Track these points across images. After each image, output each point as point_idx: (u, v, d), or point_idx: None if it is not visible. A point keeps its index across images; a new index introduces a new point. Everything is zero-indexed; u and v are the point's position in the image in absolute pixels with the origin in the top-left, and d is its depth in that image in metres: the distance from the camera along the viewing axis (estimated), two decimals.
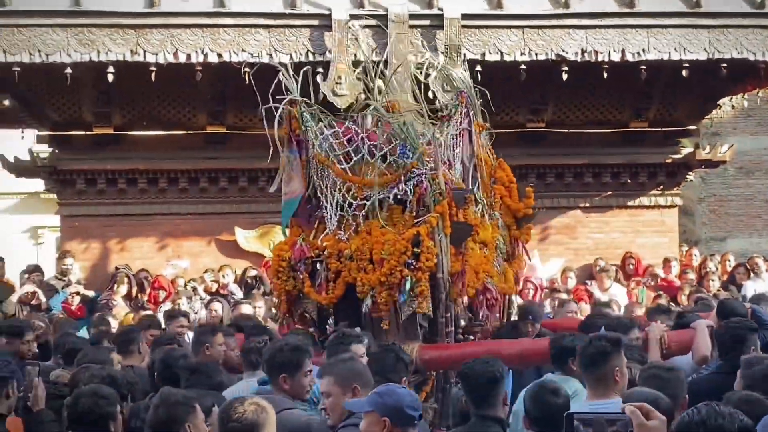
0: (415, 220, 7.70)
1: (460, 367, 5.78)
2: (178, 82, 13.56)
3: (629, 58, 12.86)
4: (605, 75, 13.09)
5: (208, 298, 12.27)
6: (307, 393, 5.89)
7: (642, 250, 15.28)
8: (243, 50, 12.19)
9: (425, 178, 7.68)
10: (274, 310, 11.00)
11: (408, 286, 7.38)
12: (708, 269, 14.32)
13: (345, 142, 7.92)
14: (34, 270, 13.40)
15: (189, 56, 12.17)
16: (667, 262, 14.70)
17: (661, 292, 13.17)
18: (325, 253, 7.82)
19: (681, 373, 5.41)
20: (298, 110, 8.15)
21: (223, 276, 13.62)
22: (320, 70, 12.30)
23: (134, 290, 13.19)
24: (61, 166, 14.62)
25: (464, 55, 12.41)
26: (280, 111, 8.13)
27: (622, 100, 15.13)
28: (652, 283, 14.00)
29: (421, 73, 8.81)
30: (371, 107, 8.31)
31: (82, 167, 14.56)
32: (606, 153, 15.39)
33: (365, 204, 7.80)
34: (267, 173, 14.55)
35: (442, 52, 12.39)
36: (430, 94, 9.39)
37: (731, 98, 15.93)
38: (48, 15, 12.02)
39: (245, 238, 14.66)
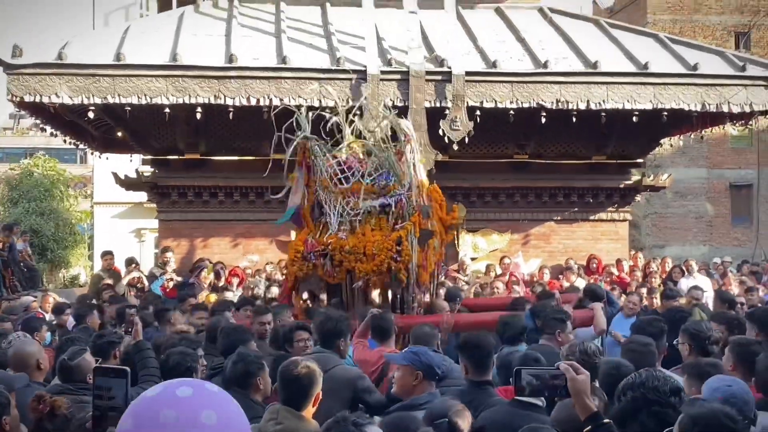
0: (395, 226, 8.25)
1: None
2: (249, 120, 13.63)
3: (592, 107, 12.83)
4: (574, 119, 13.08)
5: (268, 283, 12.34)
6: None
7: (601, 253, 15.20)
8: (299, 96, 12.25)
9: (403, 197, 8.30)
10: None
11: (395, 274, 8.04)
12: (651, 269, 14.23)
13: (345, 169, 8.42)
14: (131, 261, 13.48)
15: (258, 100, 12.23)
16: (619, 262, 14.63)
17: (615, 286, 13.08)
18: (330, 247, 8.20)
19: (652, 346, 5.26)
20: (310, 144, 8.56)
21: (282, 268, 13.63)
22: (358, 112, 12.40)
23: (212, 277, 13.22)
24: (159, 183, 14.71)
25: (467, 102, 12.44)
26: (294, 143, 8.62)
27: (587, 139, 15.08)
28: (608, 279, 13.90)
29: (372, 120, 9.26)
30: (364, 144, 8.73)
31: (176, 183, 14.64)
32: (574, 179, 15.35)
33: (359, 212, 8.32)
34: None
35: (450, 100, 12.43)
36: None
37: (670, 139, 15.89)
38: (152, 68, 12.11)
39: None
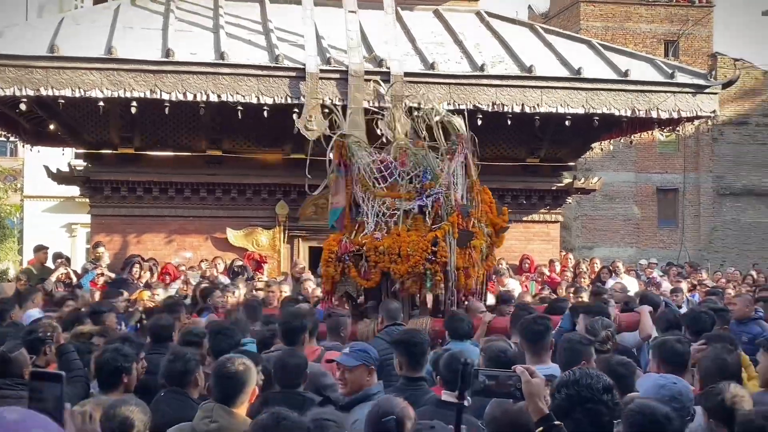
0: (432, 226, 7.91)
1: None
2: (185, 115, 13.46)
3: (527, 110, 12.98)
4: (509, 122, 13.21)
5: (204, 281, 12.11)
6: None
7: (533, 253, 15.39)
8: (237, 93, 12.12)
9: (441, 195, 7.97)
10: (254, 292, 10.90)
11: (429, 276, 7.68)
12: (581, 269, 14.46)
13: (382, 168, 8.16)
14: (59, 256, 13.14)
15: (195, 96, 12.06)
16: (552, 263, 14.82)
17: (546, 285, 13.27)
18: (364, 248, 7.96)
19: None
20: (347, 142, 8.36)
21: (216, 265, 13.47)
22: (296, 110, 12.33)
23: (146, 274, 12.97)
24: (92, 177, 14.38)
25: (405, 103, 12.45)
26: (332, 141, 8.44)
27: (522, 142, 15.26)
28: (540, 279, 14.09)
29: (424, 118, 8.84)
30: (402, 142, 8.41)
31: (109, 178, 14.33)
32: (509, 181, 15.48)
33: (396, 213, 8.04)
34: (252, 187, 14.53)
35: (389, 101, 12.43)
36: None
37: (600, 143, 16.16)
38: (86, 61, 11.85)
39: (234, 236, 14.55)
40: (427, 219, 7.97)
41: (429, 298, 7.95)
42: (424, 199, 7.94)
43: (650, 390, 3.44)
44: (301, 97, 12.26)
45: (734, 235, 31.29)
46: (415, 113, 8.75)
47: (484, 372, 3.20)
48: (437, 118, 8.59)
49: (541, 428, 2.95)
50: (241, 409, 4.21)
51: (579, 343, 5.06)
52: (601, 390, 3.38)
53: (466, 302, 8.13)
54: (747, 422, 3.14)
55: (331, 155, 8.58)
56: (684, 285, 13.15)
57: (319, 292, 9.95)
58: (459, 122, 8.62)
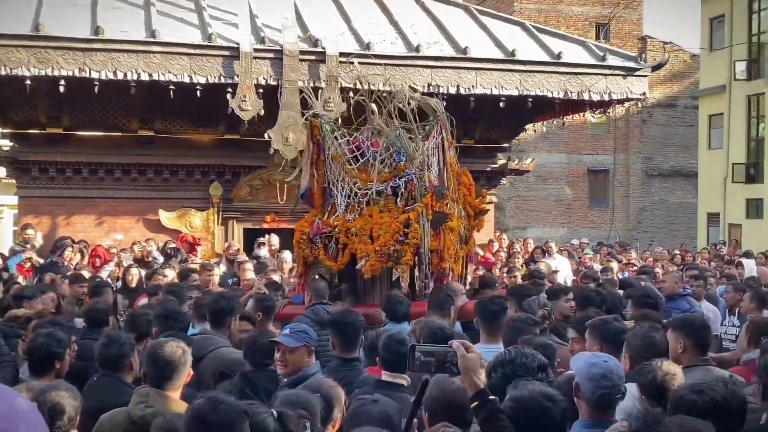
0: (405, 208, 7.77)
1: None
2: (116, 95, 13.18)
3: (462, 92, 13.06)
4: (445, 104, 13.24)
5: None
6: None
7: None
8: (169, 72, 11.92)
9: (414, 176, 7.80)
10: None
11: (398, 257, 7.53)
12: (514, 250, 14.64)
13: (354, 149, 7.99)
14: None
15: (125, 75, 11.82)
16: (490, 243, 14.97)
17: (480, 266, 13.40)
18: (336, 230, 7.82)
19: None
20: (319, 122, 8.19)
21: (148, 247, 13.26)
22: (230, 90, 12.19)
23: (76, 257, 12.69)
24: (20, 157, 13.98)
25: (340, 83, 12.43)
26: (304, 120, 8.32)
27: (457, 123, 15.28)
28: (474, 259, 14.20)
29: (399, 100, 8.69)
30: (374, 123, 8.19)
31: (37, 159, 13.95)
32: None
33: (368, 194, 7.88)
34: (185, 168, 14.34)
35: (324, 81, 12.38)
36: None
37: (534, 125, 16.34)
38: (13, 38, 11.50)
39: (166, 218, 14.35)
40: (399, 201, 7.85)
41: (404, 282, 7.80)
42: (397, 180, 7.81)
43: (583, 369, 3.52)
44: (235, 77, 12.12)
45: (662, 215, 32.10)
46: (391, 95, 8.54)
47: (421, 348, 3.24)
48: (413, 102, 8.47)
49: (475, 403, 2.99)
50: (176, 393, 4.17)
51: (524, 323, 5.16)
52: (536, 369, 3.47)
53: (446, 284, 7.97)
54: (679, 398, 3.23)
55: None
56: (614, 265, 13.43)
57: (250, 276, 9.86)
58: (437, 104, 8.54)
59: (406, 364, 3.30)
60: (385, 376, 4.49)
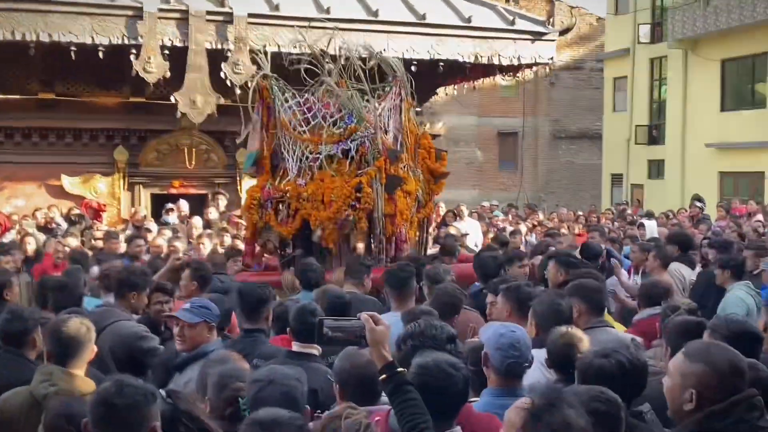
0: (358, 172, 7.60)
1: None
2: (14, 56, 12.63)
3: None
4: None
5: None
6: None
7: None
8: (69, 32, 11.49)
9: (367, 139, 7.62)
10: (93, 242, 10.50)
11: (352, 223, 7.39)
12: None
13: (305, 110, 7.78)
14: None
15: (24, 35, 11.35)
16: None
17: None
18: (287, 195, 7.65)
19: None
20: (268, 83, 7.96)
21: (51, 213, 12.86)
22: (133, 51, 11.84)
23: None
24: None
25: (249, 45, 12.21)
26: (254, 82, 7.98)
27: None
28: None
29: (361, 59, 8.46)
30: (325, 84, 7.98)
31: None
32: None
33: (319, 157, 7.68)
34: (88, 132, 13.91)
35: (233, 42, 12.14)
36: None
37: (445, 88, 16.41)
38: None
39: (70, 183, 13.92)
40: (352, 164, 7.67)
41: (360, 247, 7.71)
42: (348, 143, 7.63)
43: (491, 339, 3.58)
44: (139, 38, 11.76)
45: (569, 176, 32.81)
46: (349, 55, 8.33)
47: (329, 323, 3.22)
48: (372, 61, 8.28)
49: (384, 375, 3.00)
50: (81, 371, 4.07)
51: (460, 293, 5.24)
52: (445, 340, 3.51)
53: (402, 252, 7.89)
54: (586, 364, 3.30)
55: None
56: (523, 227, 13.69)
57: (159, 242, 9.65)
58: (396, 64, 8.34)
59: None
60: (296, 346, 4.47)
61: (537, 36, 14.10)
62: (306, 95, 7.99)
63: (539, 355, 3.87)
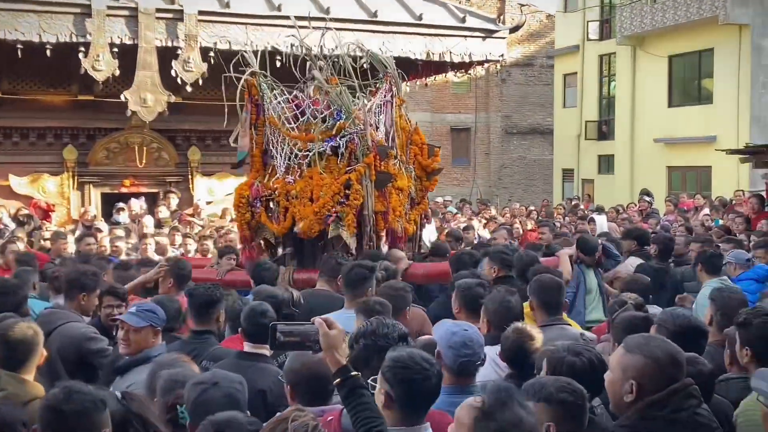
0: (347, 169, 7.44)
1: None
2: None
3: (325, 52, 12.89)
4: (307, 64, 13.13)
5: None
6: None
7: None
8: (16, 30, 11.26)
9: (356, 136, 7.46)
10: (42, 242, 10.32)
11: (340, 219, 7.23)
12: None
13: (294, 107, 7.63)
14: None
15: None
16: None
17: None
18: (276, 192, 7.52)
19: None
20: (257, 80, 7.79)
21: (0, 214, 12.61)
22: (82, 49, 11.65)
23: None
24: None
25: (200, 43, 12.10)
26: (242, 80, 7.73)
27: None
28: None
29: (351, 56, 8.32)
30: (315, 80, 7.81)
31: None
32: None
33: (308, 155, 7.52)
34: (36, 130, 13.68)
35: (183, 40, 12.01)
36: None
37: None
38: None
39: (18, 183, 13.65)
40: (341, 161, 7.51)
41: (353, 243, 7.47)
42: (337, 139, 7.46)
43: (444, 337, 3.60)
44: (88, 36, 11.57)
45: (521, 171, 33.12)
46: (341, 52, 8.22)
47: (282, 327, 3.20)
48: (363, 59, 8.13)
49: (338, 379, 3.01)
50: (30, 375, 4.01)
51: (404, 291, 5.23)
52: (397, 338, 3.51)
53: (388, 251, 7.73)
54: (558, 359, 3.30)
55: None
56: (476, 222, 13.79)
57: (108, 242, 9.50)
58: (388, 60, 8.23)
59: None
60: (248, 347, 4.45)
61: (487, 33, 14.19)
62: (294, 92, 7.89)
63: (492, 352, 3.91)
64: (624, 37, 25.73)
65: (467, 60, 14.05)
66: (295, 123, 7.70)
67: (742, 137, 20.92)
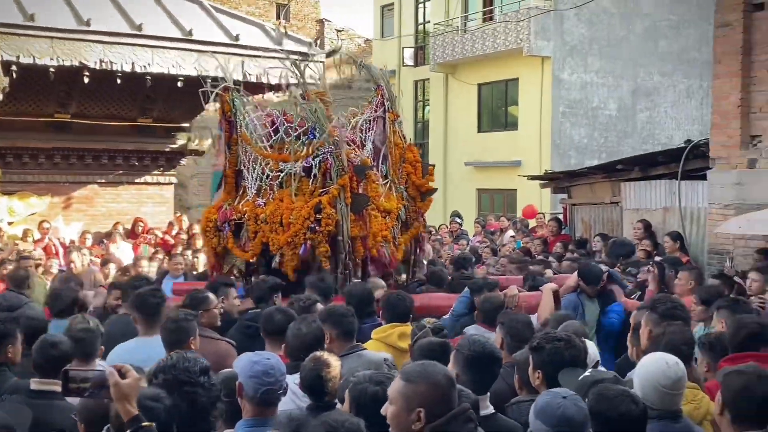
0: (320, 191, 6.87)
1: None
2: None
3: (138, 69, 12.64)
4: (119, 81, 12.79)
5: None
6: None
7: (146, 216, 15.11)
8: None
9: (330, 155, 6.89)
10: None
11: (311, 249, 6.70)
12: (194, 231, 14.40)
13: (267, 124, 7.16)
14: None
15: None
16: (170, 225, 14.67)
17: (160, 248, 13.07)
18: (245, 216, 6.98)
19: None
20: (229, 96, 7.34)
21: None
22: None
23: None
24: None
25: (2, 56, 11.45)
26: (214, 94, 7.36)
27: (133, 101, 14.78)
28: (153, 242, 13.85)
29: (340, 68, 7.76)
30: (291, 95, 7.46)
31: None
32: (119, 141, 15.03)
33: (279, 175, 7.04)
34: None
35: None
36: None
37: (214, 104, 16.14)
38: None
39: None
40: (313, 182, 6.97)
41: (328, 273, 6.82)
42: (310, 160, 6.93)
43: (245, 367, 3.54)
44: None
45: None
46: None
47: (75, 373, 2.99)
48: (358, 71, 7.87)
49: (130, 430, 2.88)
50: None
51: (185, 321, 5.04)
52: (198, 372, 3.41)
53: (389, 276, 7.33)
54: (360, 390, 3.33)
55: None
56: None
57: None
58: (380, 74, 7.85)
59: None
60: (35, 384, 4.11)
61: (304, 56, 14.27)
62: (268, 108, 7.57)
63: (291, 381, 3.89)
64: (437, 65, 26.62)
65: (284, 82, 14.04)
66: (268, 141, 7.28)
67: (544, 162, 22.14)
